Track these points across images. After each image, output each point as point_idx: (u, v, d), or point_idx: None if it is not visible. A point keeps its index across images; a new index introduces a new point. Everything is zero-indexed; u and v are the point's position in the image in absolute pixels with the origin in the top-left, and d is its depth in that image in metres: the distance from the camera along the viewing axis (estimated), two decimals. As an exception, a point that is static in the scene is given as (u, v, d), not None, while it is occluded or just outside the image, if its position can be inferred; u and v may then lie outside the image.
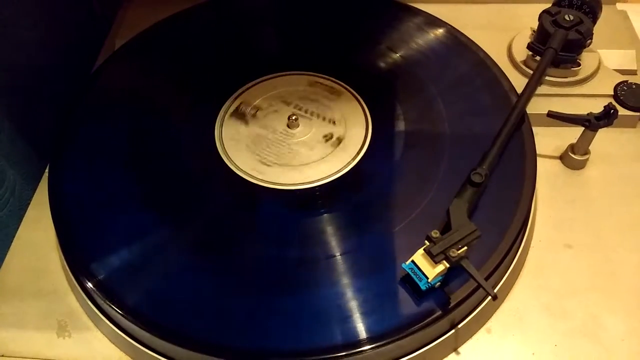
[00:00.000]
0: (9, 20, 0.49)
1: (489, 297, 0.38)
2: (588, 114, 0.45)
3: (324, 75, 0.52)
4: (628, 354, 0.38)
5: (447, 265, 0.35)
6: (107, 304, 0.38)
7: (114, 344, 0.40)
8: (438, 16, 0.55)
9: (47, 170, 0.48)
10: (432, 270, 0.35)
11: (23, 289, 0.43)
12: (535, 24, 0.52)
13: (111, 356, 0.40)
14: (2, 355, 0.40)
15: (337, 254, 0.40)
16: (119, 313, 0.38)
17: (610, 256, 0.43)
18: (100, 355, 0.40)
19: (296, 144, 0.47)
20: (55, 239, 0.44)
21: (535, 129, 0.46)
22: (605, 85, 0.51)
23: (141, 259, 0.41)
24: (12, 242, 0.46)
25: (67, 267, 0.42)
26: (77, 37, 0.59)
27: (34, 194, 0.49)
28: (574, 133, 0.46)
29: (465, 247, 0.36)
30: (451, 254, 0.35)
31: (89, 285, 0.39)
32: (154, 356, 0.38)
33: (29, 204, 0.48)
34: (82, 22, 0.61)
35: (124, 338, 0.39)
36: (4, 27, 0.48)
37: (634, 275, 0.42)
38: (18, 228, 0.47)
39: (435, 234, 0.36)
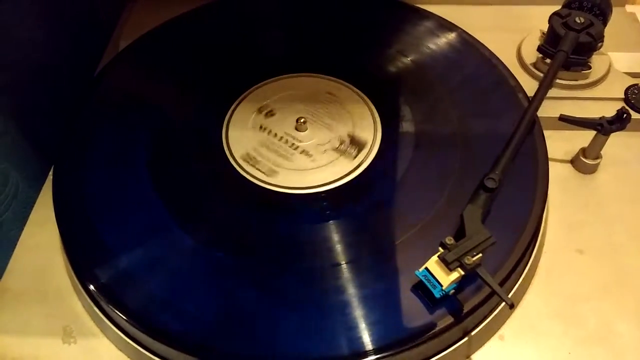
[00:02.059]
0: (11, 21, 0.48)
1: (502, 304, 0.37)
2: (600, 118, 0.44)
3: (332, 78, 0.51)
4: (643, 361, 0.38)
5: (462, 273, 0.35)
6: (112, 309, 0.38)
7: (120, 350, 0.40)
8: (446, 18, 0.54)
9: (51, 173, 0.47)
10: (447, 278, 0.35)
11: (27, 293, 0.42)
12: (544, 26, 0.52)
13: (118, 363, 0.39)
14: (7, 362, 0.40)
15: (343, 261, 0.39)
16: (124, 318, 0.37)
17: (622, 261, 0.42)
18: (107, 362, 0.40)
19: (304, 147, 0.46)
20: (59, 242, 0.44)
21: (546, 133, 0.46)
22: (615, 88, 0.51)
23: (147, 262, 0.40)
24: (15, 245, 0.45)
25: (72, 271, 0.41)
26: (81, 38, 0.58)
27: (37, 196, 0.48)
28: (585, 136, 0.46)
29: (480, 254, 0.35)
30: (466, 261, 0.34)
31: (94, 289, 0.39)
32: (161, 363, 0.38)
33: (32, 206, 0.48)
34: (85, 23, 0.60)
35: (130, 344, 0.38)
36: (7, 28, 0.47)
37: (646, 280, 0.41)
38: (22, 231, 0.46)
39: (449, 240, 0.35)
